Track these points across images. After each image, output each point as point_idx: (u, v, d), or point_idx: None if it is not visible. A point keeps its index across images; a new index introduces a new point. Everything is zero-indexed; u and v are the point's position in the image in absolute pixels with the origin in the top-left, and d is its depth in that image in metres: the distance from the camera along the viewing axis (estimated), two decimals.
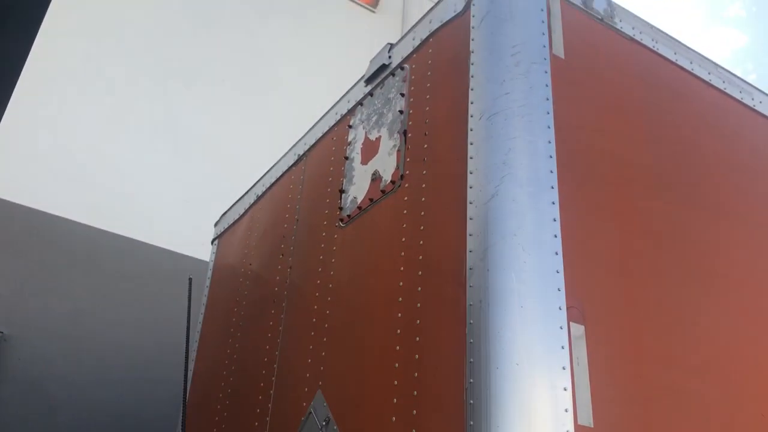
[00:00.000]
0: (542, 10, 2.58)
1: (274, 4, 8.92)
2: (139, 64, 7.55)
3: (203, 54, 8.08)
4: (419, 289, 2.42)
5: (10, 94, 2.65)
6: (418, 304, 2.39)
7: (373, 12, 9.65)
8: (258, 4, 8.80)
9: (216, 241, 5.02)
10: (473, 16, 2.65)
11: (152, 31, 7.83)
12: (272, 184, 4.27)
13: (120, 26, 7.61)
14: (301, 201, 3.75)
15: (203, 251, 6.25)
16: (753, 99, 3.35)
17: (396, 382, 2.33)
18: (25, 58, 2.70)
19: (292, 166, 4.04)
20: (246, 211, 4.58)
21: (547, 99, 2.42)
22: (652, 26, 3.05)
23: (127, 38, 7.60)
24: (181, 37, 8.02)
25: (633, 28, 2.96)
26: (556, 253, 2.14)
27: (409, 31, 3.21)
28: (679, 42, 3.15)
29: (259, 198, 4.42)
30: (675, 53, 3.09)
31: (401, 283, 2.51)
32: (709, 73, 3.20)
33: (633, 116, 2.71)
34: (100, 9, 7.57)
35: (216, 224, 5.13)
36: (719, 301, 2.57)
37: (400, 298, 2.49)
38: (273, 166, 4.37)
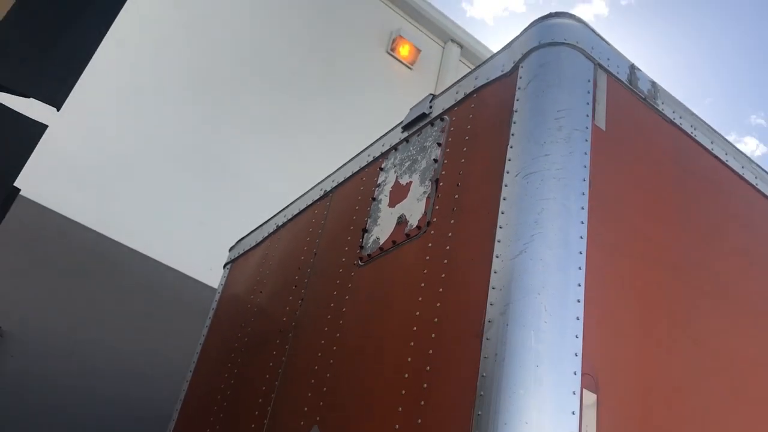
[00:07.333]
0: (589, 80, 2.63)
1: (313, 48, 9.11)
2: (169, 81, 7.66)
3: (238, 85, 8.22)
4: (433, 335, 2.40)
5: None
6: (430, 351, 2.37)
7: (410, 69, 9.99)
8: (297, 46, 8.97)
9: (229, 266, 5.02)
10: (520, 78, 2.70)
11: (186, 48, 8.00)
12: (294, 216, 4.29)
13: (154, 35, 7.76)
14: (321, 236, 3.75)
15: (212, 276, 6.24)
16: None
17: (397, 426, 2.30)
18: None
19: (317, 200, 4.06)
20: (264, 239, 4.58)
21: (585, 166, 2.44)
22: (692, 113, 3.09)
23: (158, 49, 7.74)
24: (218, 67, 8.17)
25: (674, 112, 3.00)
26: (578, 318, 2.13)
27: (452, 85, 3.27)
28: (717, 132, 3.19)
29: (279, 228, 4.43)
30: (712, 142, 3.13)
31: (415, 328, 2.50)
32: (742, 167, 3.23)
33: (664, 197, 2.73)
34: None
35: (231, 249, 5.14)
36: (730, 381, 2.55)
37: (412, 343, 2.47)
38: (297, 198, 4.39)
